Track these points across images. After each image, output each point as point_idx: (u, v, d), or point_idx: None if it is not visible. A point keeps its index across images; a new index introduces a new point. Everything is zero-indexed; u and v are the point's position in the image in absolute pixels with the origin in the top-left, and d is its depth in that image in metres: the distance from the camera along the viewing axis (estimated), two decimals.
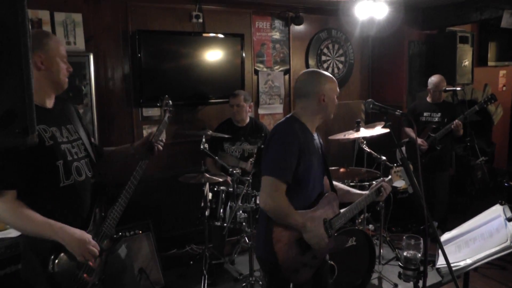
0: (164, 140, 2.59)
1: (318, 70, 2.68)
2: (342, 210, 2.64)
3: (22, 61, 1.19)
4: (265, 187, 2.36)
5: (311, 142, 2.52)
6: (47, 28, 4.09)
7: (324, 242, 2.43)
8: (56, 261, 2.03)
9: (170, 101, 2.71)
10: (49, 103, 2.22)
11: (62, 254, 2.03)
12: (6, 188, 1.95)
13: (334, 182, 2.77)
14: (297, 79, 2.62)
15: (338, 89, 2.57)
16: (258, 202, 3.78)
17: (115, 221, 2.25)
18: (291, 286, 2.50)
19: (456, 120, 4.80)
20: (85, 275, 2.09)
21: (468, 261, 2.23)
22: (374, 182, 3.26)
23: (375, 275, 4.14)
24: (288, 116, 2.58)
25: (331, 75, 2.57)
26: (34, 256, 2.07)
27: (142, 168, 2.38)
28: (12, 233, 3.02)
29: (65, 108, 2.34)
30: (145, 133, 4.84)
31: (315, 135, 2.61)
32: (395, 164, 2.91)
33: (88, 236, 2.06)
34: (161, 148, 2.53)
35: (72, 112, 2.37)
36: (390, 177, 2.84)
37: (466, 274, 2.46)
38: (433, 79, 5.15)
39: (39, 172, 2.04)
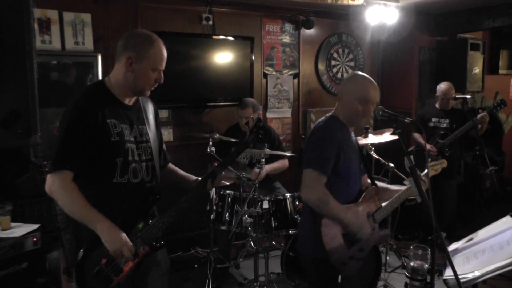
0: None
1: (361, 73, 2.63)
2: (383, 204, 2.67)
3: (26, 61, 1.18)
4: (305, 179, 2.44)
5: (349, 139, 2.61)
6: (55, 28, 4.09)
7: (367, 233, 2.48)
8: (87, 253, 2.08)
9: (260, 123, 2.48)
10: (129, 100, 2.23)
11: (96, 248, 2.06)
12: (65, 168, 2.02)
13: None
14: None
15: (367, 97, 2.49)
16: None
17: (158, 230, 2.22)
18: (339, 279, 2.51)
19: (484, 113, 4.70)
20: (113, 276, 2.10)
21: (477, 273, 2.18)
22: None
23: (380, 283, 4.09)
24: (328, 114, 2.64)
25: (364, 81, 2.54)
26: (74, 242, 2.13)
27: (200, 190, 2.34)
28: (16, 233, 3.01)
29: (146, 107, 2.34)
30: None
31: (353, 134, 2.69)
32: (429, 159, 2.88)
33: (125, 237, 2.06)
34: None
35: (150, 113, 2.36)
36: (426, 171, 2.78)
37: (474, 286, 2.42)
38: (442, 86, 5.10)
39: (98, 163, 2.09)
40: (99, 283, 2.07)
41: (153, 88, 2.22)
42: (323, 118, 2.63)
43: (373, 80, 2.56)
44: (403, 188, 2.76)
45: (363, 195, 2.60)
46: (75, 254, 2.13)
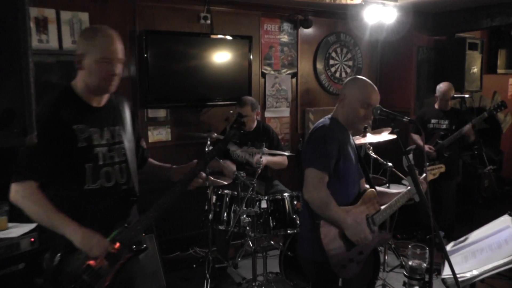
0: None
1: (361, 77, 2.65)
2: (382, 207, 2.65)
3: (21, 59, 1.16)
4: (308, 179, 2.42)
5: (349, 141, 2.61)
6: (52, 27, 4.07)
7: (366, 239, 2.44)
8: (63, 258, 2.01)
9: (242, 118, 2.42)
10: (97, 101, 2.16)
11: (71, 253, 2.00)
12: (29, 179, 1.96)
13: None
14: None
15: (369, 101, 2.50)
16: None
17: (137, 232, 2.14)
18: (340, 282, 2.49)
19: (468, 125, 4.72)
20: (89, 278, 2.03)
21: (475, 272, 2.18)
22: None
23: (379, 282, 4.09)
24: (327, 116, 2.64)
25: (367, 85, 2.55)
26: (50, 249, 2.06)
27: (179, 190, 2.19)
28: (13, 233, 3.00)
29: (119, 106, 2.28)
30: (150, 134, 4.81)
31: (351, 137, 2.69)
32: (427, 163, 2.89)
33: (98, 235, 2.00)
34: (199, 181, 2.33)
35: (124, 112, 2.30)
36: (424, 175, 2.77)
37: (472, 285, 2.41)
38: (441, 87, 5.09)
39: (66, 170, 2.03)
40: None
41: (113, 83, 2.11)
42: (322, 119, 2.63)
43: (374, 85, 2.58)
44: (402, 191, 2.74)
45: (362, 198, 2.59)
46: (50, 259, 2.03)
